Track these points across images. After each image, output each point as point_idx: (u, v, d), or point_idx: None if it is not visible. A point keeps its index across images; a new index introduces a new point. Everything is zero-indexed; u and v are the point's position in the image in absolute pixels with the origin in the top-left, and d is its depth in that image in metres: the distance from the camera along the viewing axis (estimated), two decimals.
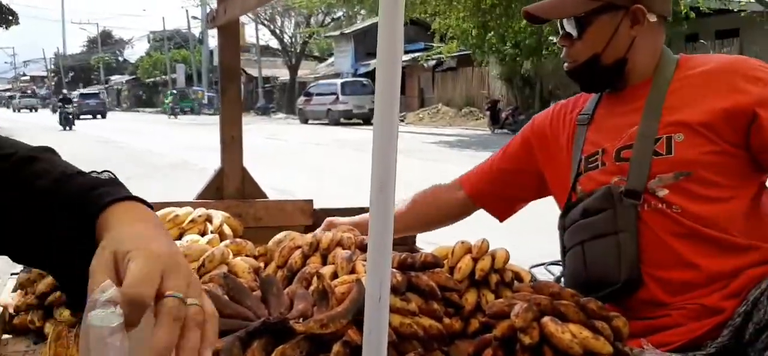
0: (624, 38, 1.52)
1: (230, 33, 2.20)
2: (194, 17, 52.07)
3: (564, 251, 1.61)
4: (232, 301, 1.30)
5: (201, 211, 1.97)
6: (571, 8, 1.54)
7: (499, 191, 1.82)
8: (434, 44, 26.03)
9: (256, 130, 24.85)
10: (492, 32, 21.05)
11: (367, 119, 29.31)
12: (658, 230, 1.44)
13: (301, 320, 1.22)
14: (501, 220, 1.89)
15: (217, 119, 2.28)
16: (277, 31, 42.05)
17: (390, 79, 0.84)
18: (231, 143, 2.23)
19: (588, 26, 1.53)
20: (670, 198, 1.44)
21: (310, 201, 2.20)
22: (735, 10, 17.33)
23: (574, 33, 1.55)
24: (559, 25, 1.59)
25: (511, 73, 23.33)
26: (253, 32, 43.69)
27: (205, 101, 43.54)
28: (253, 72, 45.25)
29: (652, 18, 1.52)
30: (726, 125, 1.42)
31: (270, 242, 1.86)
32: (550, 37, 20.92)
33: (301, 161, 14.97)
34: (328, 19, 41.83)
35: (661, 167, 1.45)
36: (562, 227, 1.61)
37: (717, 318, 1.38)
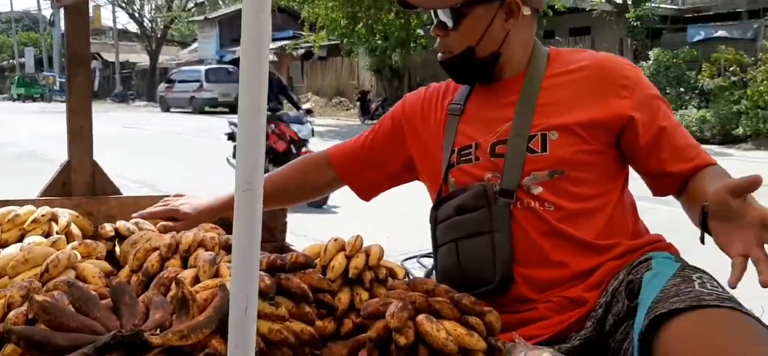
0: (499, 31, 1.51)
1: (78, 14, 1.98)
2: None
3: (436, 245, 1.58)
4: (79, 312, 1.16)
5: (45, 209, 1.76)
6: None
7: (368, 172, 1.77)
8: (304, 33, 25.80)
9: (112, 118, 23.46)
10: (361, 23, 21.15)
11: (232, 108, 28.41)
12: (528, 229, 1.45)
13: (158, 331, 1.10)
14: (366, 200, 1.85)
15: None
16: (136, 15, 39.88)
17: (256, 74, 0.76)
18: (79, 134, 2.02)
19: (463, 17, 1.50)
20: (545, 196, 1.45)
21: (168, 196, 2.04)
22: (587, 9, 18.57)
23: (449, 23, 1.52)
24: (433, 14, 1.56)
25: (380, 64, 23.58)
26: (109, 15, 41.23)
27: (57, 87, 40.54)
28: (110, 57, 42.69)
29: (526, 11, 1.52)
30: (600, 126, 1.45)
31: (124, 243, 1.71)
32: (418, 30, 21.42)
33: (163, 150, 14.30)
34: (191, 4, 40.27)
35: (536, 165, 1.45)
36: (434, 221, 1.59)
37: (580, 309, 1.41)
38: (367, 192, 1.82)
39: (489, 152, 1.50)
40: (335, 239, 1.51)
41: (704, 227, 1.23)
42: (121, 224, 1.80)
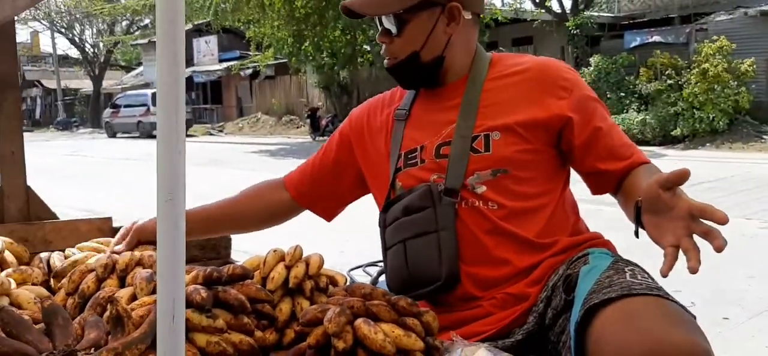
0: (441, 36, 1.54)
1: (4, 37, 1.94)
2: None
3: (385, 248, 1.60)
4: (10, 337, 1.14)
5: None
6: (390, 5, 1.53)
7: (322, 192, 1.78)
8: (251, 53, 25.62)
9: (56, 146, 22.84)
10: (307, 41, 21.14)
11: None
12: (472, 227, 1.47)
13: (92, 351, 1.09)
14: (328, 220, 1.86)
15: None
16: (77, 40, 38.95)
17: (172, 78, 0.76)
18: (11, 159, 1.97)
19: (406, 24, 1.53)
20: (488, 195, 1.48)
21: (109, 219, 2.01)
22: (528, 19, 19.00)
23: (393, 30, 1.54)
24: (377, 22, 1.58)
25: (328, 81, 23.59)
26: (48, 41, 40.16)
27: None
28: (51, 84, 41.56)
29: (467, 16, 1.55)
30: (541, 126, 1.49)
31: (66, 262, 1.67)
32: (365, 46, 21.51)
33: (109, 178, 13.96)
34: (134, 27, 39.57)
35: (480, 164, 1.48)
36: (383, 224, 1.60)
37: (523, 304, 1.44)
38: (326, 212, 1.83)
39: (434, 154, 1.53)
40: (275, 250, 1.51)
41: (638, 222, 1.28)
42: (55, 257, 1.71)
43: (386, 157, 1.63)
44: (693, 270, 1.12)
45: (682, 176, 1.19)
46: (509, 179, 1.48)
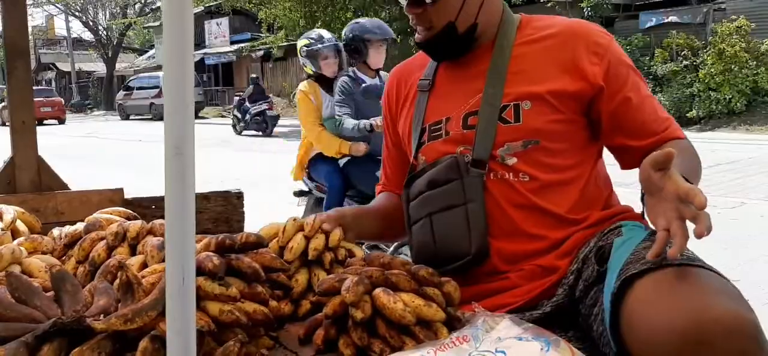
0: (475, 0, 1.46)
1: (14, 5, 1.90)
2: None
3: (410, 223, 1.53)
4: (18, 302, 1.11)
5: None
6: None
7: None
8: (262, 34, 25.57)
9: (71, 128, 22.97)
10: (319, 22, 21.04)
11: (195, 112, 28.04)
12: (501, 200, 1.41)
13: (101, 317, 1.06)
14: None
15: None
16: (91, 23, 39.03)
17: (180, 32, 0.72)
18: (22, 129, 1.93)
19: None
20: (519, 167, 1.41)
21: (120, 190, 1.98)
22: (542, 0, 18.80)
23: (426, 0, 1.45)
24: None
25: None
26: (63, 24, 40.31)
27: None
28: (66, 67, 41.77)
29: None
30: (572, 96, 1.42)
31: (83, 224, 1.63)
32: None
33: (124, 159, 14.01)
34: (146, 10, 39.58)
35: (510, 135, 1.41)
36: (407, 199, 1.54)
37: (552, 277, 1.38)
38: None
39: (461, 124, 1.46)
40: (294, 219, 1.47)
41: (643, 199, 1.23)
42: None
43: (410, 130, 1.57)
44: (672, 256, 1.09)
45: (668, 157, 1.14)
46: (540, 151, 1.41)
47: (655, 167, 1.16)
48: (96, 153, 15.30)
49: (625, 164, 1.49)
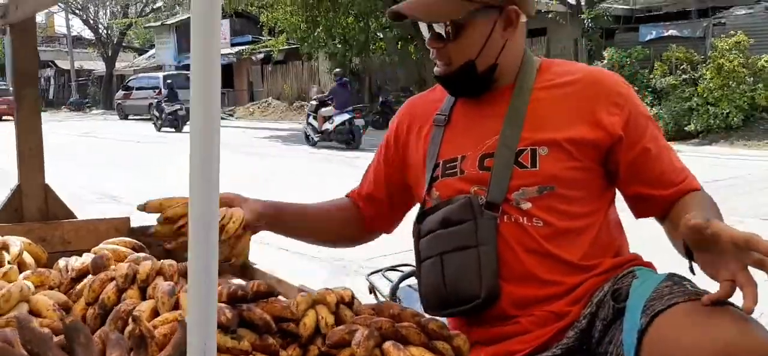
0: (497, 41, 1.46)
1: (25, 32, 1.91)
2: None
3: (419, 259, 1.52)
4: (31, 355, 1.11)
5: None
6: (448, 11, 1.44)
7: (383, 203, 1.70)
8: (263, 37, 25.59)
9: (69, 127, 22.96)
10: (320, 27, 21.06)
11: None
12: (513, 244, 1.41)
13: None
14: (388, 232, 1.77)
15: None
16: (91, 22, 38.99)
17: (208, 68, 0.72)
18: (29, 156, 1.94)
19: (463, 29, 1.44)
20: (534, 211, 1.41)
21: (127, 219, 1.98)
22: (542, 10, 18.83)
23: (447, 35, 1.45)
24: (426, 25, 1.49)
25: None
26: (63, 22, 40.27)
27: (11, 97, 39.37)
28: (65, 65, 41.68)
29: (523, 19, 1.48)
30: (590, 144, 1.42)
31: (89, 256, 1.63)
32: (378, 33, 21.41)
33: (122, 160, 14.00)
34: (147, 9, 39.56)
35: (526, 180, 1.41)
36: (417, 234, 1.53)
37: (563, 322, 1.39)
38: (389, 224, 1.75)
39: (477, 165, 1.46)
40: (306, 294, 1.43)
41: (690, 257, 1.21)
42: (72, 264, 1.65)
43: (423, 162, 1.56)
44: (748, 310, 1.07)
45: (699, 228, 1.13)
46: (555, 197, 1.41)
47: (695, 234, 1.15)
48: (93, 153, 15.27)
49: (640, 213, 1.50)
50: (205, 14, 0.74)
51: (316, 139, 15.69)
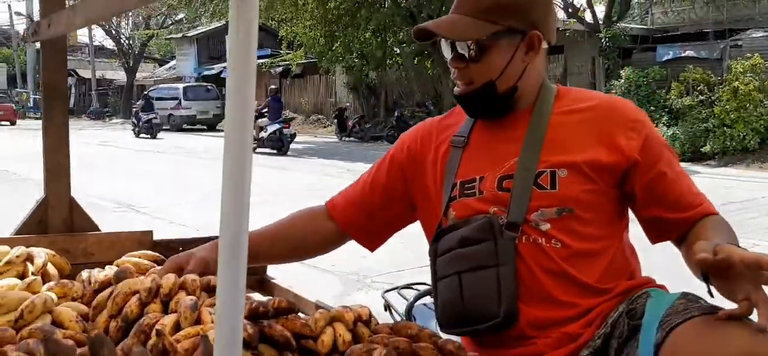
0: (518, 65, 1.49)
1: (55, 49, 1.96)
2: (18, 13, 47.41)
3: (436, 278, 1.54)
4: None
5: (19, 250, 1.72)
6: (473, 31, 1.47)
7: (369, 222, 1.71)
8: (282, 51, 25.78)
9: (89, 136, 23.24)
10: (338, 42, 21.19)
11: (211, 125, 28.27)
12: (532, 264, 1.43)
13: None
14: (371, 250, 1.78)
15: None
16: (113, 32, 39.50)
17: (242, 101, 0.75)
18: (56, 170, 1.99)
19: (486, 50, 1.48)
20: (553, 232, 1.43)
21: (150, 232, 2.02)
22: (560, 28, 18.83)
23: (470, 55, 1.49)
24: (450, 45, 1.52)
25: (357, 82, 23.62)
26: (85, 31, 40.80)
27: (31, 104, 39.94)
28: (86, 74, 42.24)
29: (545, 45, 1.51)
30: (607, 167, 1.45)
31: (111, 269, 1.65)
32: (395, 49, 21.50)
33: (142, 170, 14.13)
34: (168, 21, 40.00)
35: (545, 201, 1.44)
36: (434, 253, 1.54)
37: (575, 344, 1.41)
38: (371, 241, 1.75)
39: (496, 186, 1.48)
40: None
41: (707, 281, 1.24)
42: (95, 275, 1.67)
43: (440, 183, 1.58)
44: (764, 327, 1.10)
45: (706, 263, 1.18)
46: (574, 219, 1.44)
47: (706, 263, 1.19)
48: (111, 163, 15.41)
49: (656, 238, 1.52)
50: (241, 54, 0.76)
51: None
